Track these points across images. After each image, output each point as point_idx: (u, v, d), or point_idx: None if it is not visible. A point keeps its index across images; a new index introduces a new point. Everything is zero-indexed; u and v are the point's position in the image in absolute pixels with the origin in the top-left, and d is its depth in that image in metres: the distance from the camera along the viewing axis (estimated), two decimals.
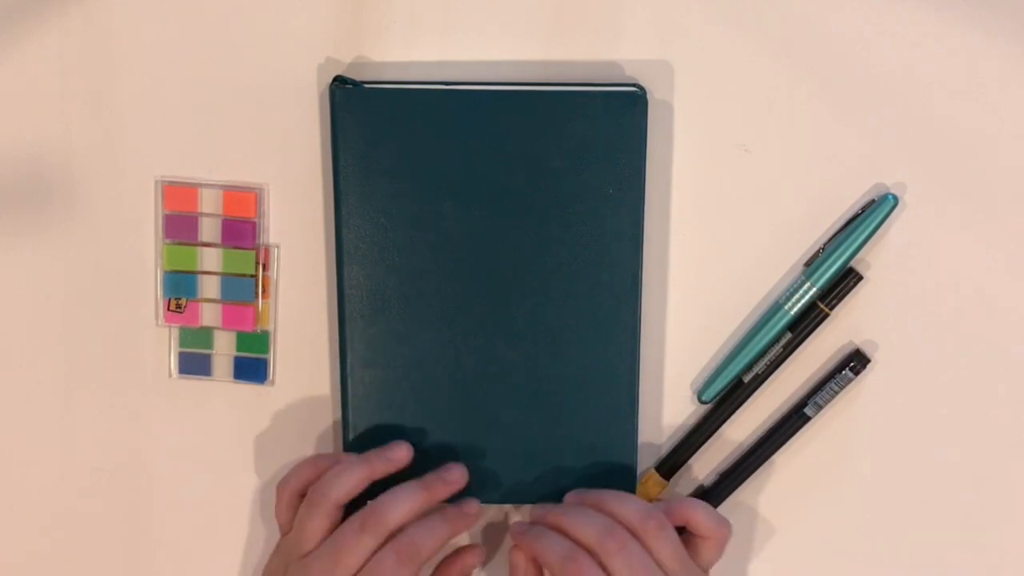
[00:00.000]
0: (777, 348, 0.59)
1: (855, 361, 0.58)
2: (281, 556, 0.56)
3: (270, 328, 0.61)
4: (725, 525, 0.56)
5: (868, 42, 0.58)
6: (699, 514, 0.55)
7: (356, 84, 0.57)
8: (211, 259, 0.60)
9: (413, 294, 0.58)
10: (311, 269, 0.60)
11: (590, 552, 0.53)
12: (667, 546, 0.53)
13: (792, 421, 0.59)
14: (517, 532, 0.56)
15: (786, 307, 0.58)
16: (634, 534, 0.53)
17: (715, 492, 0.60)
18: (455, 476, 0.57)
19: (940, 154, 0.58)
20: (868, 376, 0.59)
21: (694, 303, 0.60)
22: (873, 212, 0.57)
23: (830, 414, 0.60)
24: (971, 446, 0.60)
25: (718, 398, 0.60)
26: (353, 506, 0.55)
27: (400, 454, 0.57)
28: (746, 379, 0.59)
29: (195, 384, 0.62)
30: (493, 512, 0.62)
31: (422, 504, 0.55)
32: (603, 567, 0.52)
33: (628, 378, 0.58)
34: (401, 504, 0.54)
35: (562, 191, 0.57)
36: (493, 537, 0.62)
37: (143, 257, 0.61)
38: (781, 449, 0.59)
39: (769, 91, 0.58)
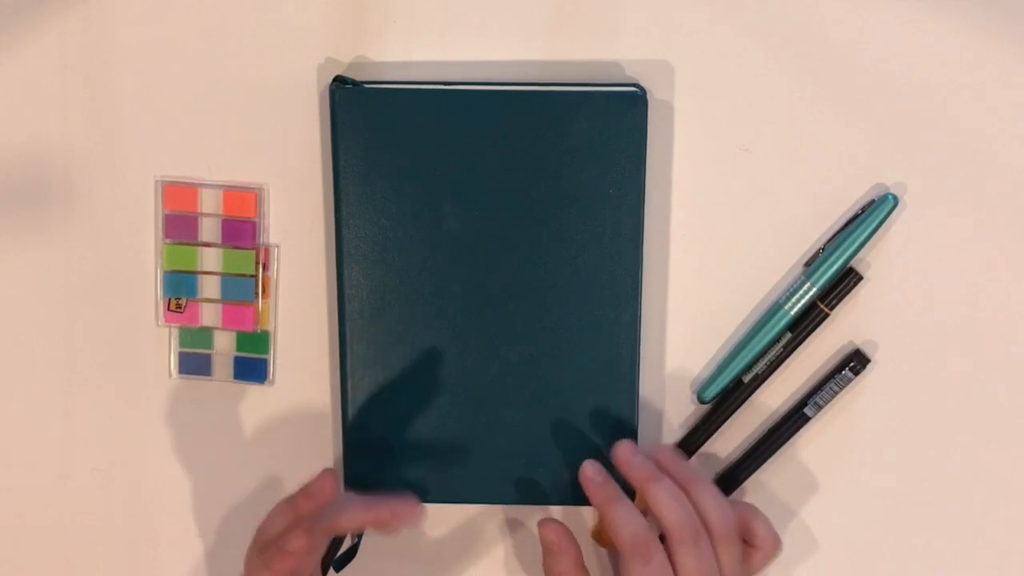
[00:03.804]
0: (777, 348, 0.59)
1: (855, 361, 0.58)
2: None
3: (270, 328, 0.61)
4: (779, 542, 0.56)
5: (868, 42, 0.58)
6: (761, 525, 0.55)
7: (356, 84, 0.57)
8: (211, 259, 0.60)
9: (413, 294, 0.58)
10: (311, 269, 0.60)
11: (664, 531, 0.53)
12: (733, 557, 0.54)
13: (792, 421, 0.59)
14: (593, 480, 0.55)
15: (786, 307, 0.58)
16: (708, 533, 0.53)
17: None
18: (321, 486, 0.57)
19: (940, 154, 0.58)
20: (868, 376, 0.59)
21: (694, 303, 0.60)
22: (873, 212, 0.57)
23: (830, 414, 0.60)
24: (971, 446, 0.60)
25: (718, 398, 0.60)
26: None
27: (322, 485, 0.57)
28: (746, 379, 0.59)
29: (195, 384, 0.62)
30: (494, 513, 0.62)
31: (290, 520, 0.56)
32: (669, 553, 0.52)
33: (628, 378, 0.58)
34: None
35: (562, 191, 0.57)
36: (498, 537, 0.62)
37: (143, 257, 0.61)
38: (781, 449, 0.60)
39: (769, 91, 0.58)
